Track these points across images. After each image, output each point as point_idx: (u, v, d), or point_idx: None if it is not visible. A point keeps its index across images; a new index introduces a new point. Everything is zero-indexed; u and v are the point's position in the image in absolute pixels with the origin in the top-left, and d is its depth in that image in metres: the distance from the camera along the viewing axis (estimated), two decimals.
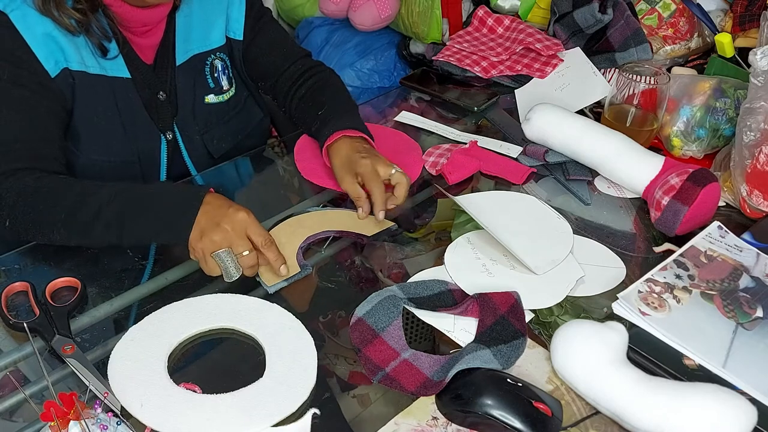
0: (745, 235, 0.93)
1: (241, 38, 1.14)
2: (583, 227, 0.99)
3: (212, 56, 1.11)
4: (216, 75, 1.12)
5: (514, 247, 0.89)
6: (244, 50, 1.15)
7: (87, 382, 0.72)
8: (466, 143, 1.15)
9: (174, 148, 1.10)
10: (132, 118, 1.03)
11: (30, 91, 0.93)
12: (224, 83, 1.14)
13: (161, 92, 1.07)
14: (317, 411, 0.70)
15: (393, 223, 0.97)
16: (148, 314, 0.81)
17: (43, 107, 0.94)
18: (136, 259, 0.92)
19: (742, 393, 0.70)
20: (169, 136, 1.08)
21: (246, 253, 0.83)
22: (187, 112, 1.09)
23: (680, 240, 0.92)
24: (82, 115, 0.99)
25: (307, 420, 0.69)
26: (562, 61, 1.34)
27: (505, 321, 0.79)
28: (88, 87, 0.98)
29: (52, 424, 0.62)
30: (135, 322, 0.80)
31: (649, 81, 1.08)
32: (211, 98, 1.12)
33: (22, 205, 0.88)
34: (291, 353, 0.77)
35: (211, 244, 0.82)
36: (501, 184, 1.08)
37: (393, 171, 0.97)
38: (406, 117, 1.27)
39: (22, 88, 0.93)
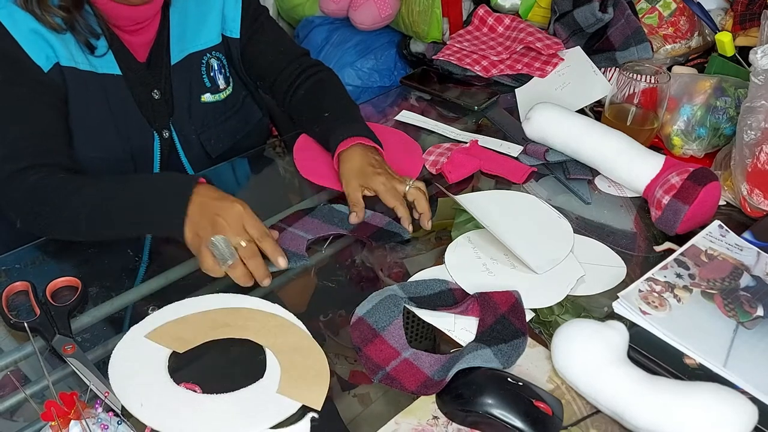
0: (746, 234, 0.93)
1: (238, 36, 1.14)
2: (583, 226, 0.99)
3: (208, 55, 1.11)
4: (212, 74, 1.12)
5: (514, 246, 0.89)
6: (241, 49, 1.15)
7: (87, 382, 0.72)
8: (466, 142, 1.15)
9: (170, 148, 1.10)
10: (124, 116, 1.03)
11: (27, 89, 0.94)
12: (221, 82, 1.13)
13: (155, 90, 1.06)
14: (315, 415, 0.70)
15: None
16: (148, 314, 0.81)
17: (43, 102, 0.95)
18: (136, 259, 0.92)
19: (743, 392, 0.70)
20: (165, 135, 1.08)
21: (244, 243, 0.83)
22: (183, 111, 1.09)
23: (681, 239, 0.92)
24: (75, 111, 0.99)
25: (306, 422, 0.69)
26: (563, 60, 1.34)
27: (506, 320, 0.79)
28: (79, 83, 0.98)
29: (53, 423, 0.62)
30: (135, 322, 0.80)
31: (650, 80, 1.08)
32: (207, 97, 1.12)
33: (29, 206, 0.90)
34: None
35: (204, 238, 0.83)
36: (501, 183, 1.08)
37: (407, 188, 0.97)
38: (406, 116, 1.27)
39: (19, 87, 0.93)
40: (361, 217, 0.96)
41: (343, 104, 1.13)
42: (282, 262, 0.86)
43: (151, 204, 0.87)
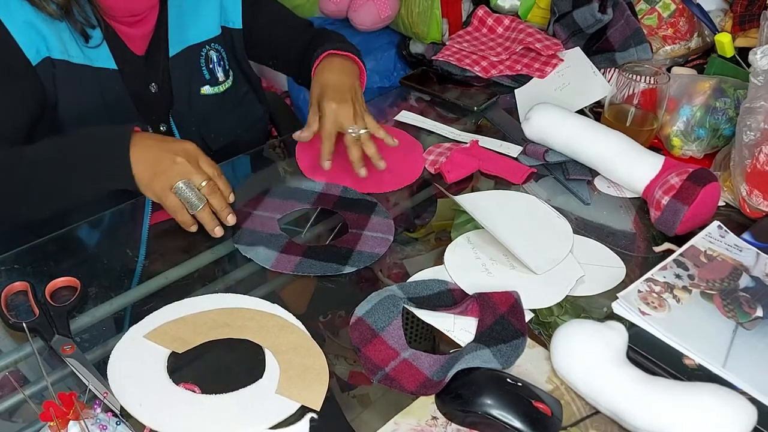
0: (745, 235, 0.93)
1: (240, 26, 1.13)
2: (583, 227, 0.99)
3: (207, 47, 1.11)
4: (211, 66, 1.12)
5: (514, 246, 0.89)
6: (246, 36, 1.15)
7: (86, 382, 0.71)
8: (466, 143, 1.15)
9: None
10: (119, 111, 1.02)
11: (6, 80, 0.92)
12: (220, 75, 1.13)
13: (153, 84, 1.06)
14: (314, 415, 0.70)
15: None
16: (148, 314, 0.81)
17: (14, 96, 0.93)
18: (136, 259, 0.92)
19: (742, 393, 0.70)
20: (163, 129, 1.08)
21: (204, 183, 0.85)
22: (183, 104, 1.09)
23: (680, 240, 0.92)
24: (66, 106, 0.98)
25: (305, 422, 0.69)
26: (562, 60, 1.34)
27: (505, 321, 0.79)
28: (71, 77, 0.97)
29: (52, 424, 0.62)
30: (135, 322, 0.80)
31: (649, 81, 1.08)
32: (206, 89, 1.12)
33: None
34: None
35: (168, 180, 0.83)
36: (501, 183, 1.08)
37: (350, 130, 0.98)
38: (406, 117, 1.27)
39: None
40: (303, 137, 0.99)
41: (332, 38, 1.15)
42: (232, 198, 0.91)
43: (92, 154, 0.86)
